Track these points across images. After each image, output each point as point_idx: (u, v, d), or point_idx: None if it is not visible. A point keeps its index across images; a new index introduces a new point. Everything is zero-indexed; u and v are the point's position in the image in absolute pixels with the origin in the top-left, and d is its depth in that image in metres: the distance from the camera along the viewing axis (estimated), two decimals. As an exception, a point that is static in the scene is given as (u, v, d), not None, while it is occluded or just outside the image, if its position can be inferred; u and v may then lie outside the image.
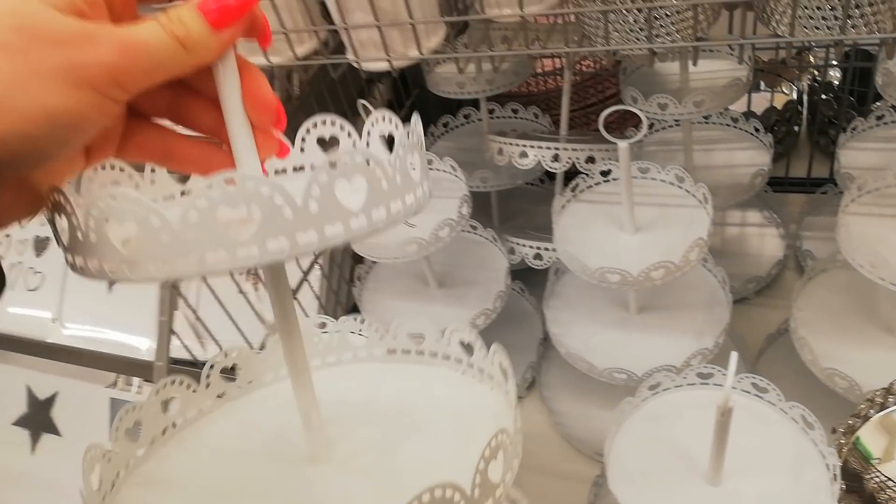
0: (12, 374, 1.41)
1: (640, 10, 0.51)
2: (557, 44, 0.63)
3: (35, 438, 1.38)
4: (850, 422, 0.53)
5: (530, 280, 0.96)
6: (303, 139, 0.39)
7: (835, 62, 1.01)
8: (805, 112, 1.07)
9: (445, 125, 1.09)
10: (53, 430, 1.35)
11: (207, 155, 0.34)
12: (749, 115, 0.98)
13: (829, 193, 0.96)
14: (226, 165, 0.33)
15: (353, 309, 0.95)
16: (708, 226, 0.68)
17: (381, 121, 0.36)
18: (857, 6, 0.47)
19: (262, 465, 0.40)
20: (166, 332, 0.71)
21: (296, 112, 0.88)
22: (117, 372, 1.28)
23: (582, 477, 0.75)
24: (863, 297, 0.72)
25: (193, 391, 0.44)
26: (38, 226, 1.30)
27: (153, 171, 0.39)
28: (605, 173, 0.78)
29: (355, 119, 0.98)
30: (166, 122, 0.35)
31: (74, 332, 1.29)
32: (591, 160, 0.80)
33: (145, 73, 0.28)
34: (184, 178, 0.39)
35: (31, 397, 1.39)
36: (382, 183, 0.30)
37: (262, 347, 0.48)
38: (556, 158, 0.81)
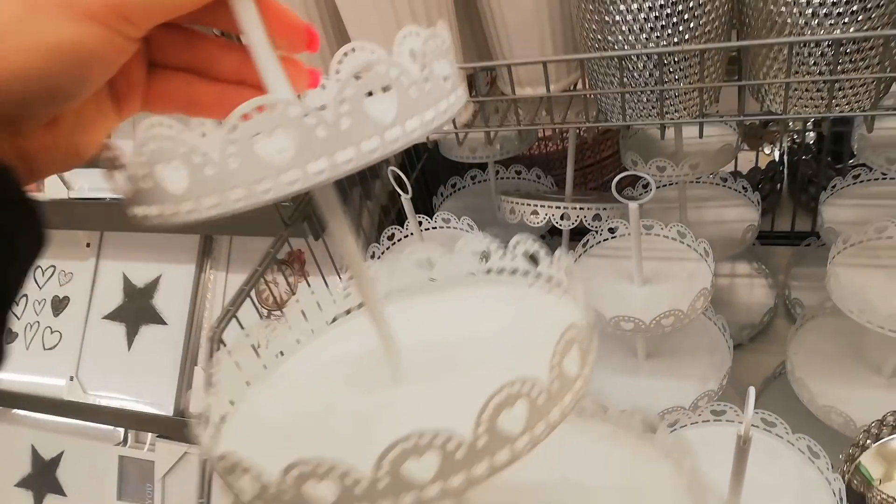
0: (17, 434, 1.40)
1: (652, 92, 0.59)
2: (574, 115, 0.71)
3: (39, 500, 1.37)
4: (850, 451, 0.59)
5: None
6: (336, 71, 0.36)
7: (810, 129, 1.11)
8: (786, 171, 1.16)
9: (454, 185, 1.17)
10: (59, 490, 1.34)
11: (234, 97, 0.33)
12: (736, 174, 1.06)
13: (813, 246, 1.04)
14: None
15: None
16: (711, 277, 0.75)
17: (409, 36, 0.33)
18: (840, 88, 0.55)
19: (347, 390, 0.41)
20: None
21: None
22: (131, 427, 1.28)
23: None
24: (851, 341, 0.79)
25: (282, 331, 0.46)
26: (56, 286, 1.33)
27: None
28: (612, 230, 0.85)
29: (369, 184, 1.04)
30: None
31: (92, 392, 1.29)
32: (597, 218, 0.87)
33: (152, 3, 0.28)
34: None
35: (36, 457, 1.38)
36: (412, 91, 0.30)
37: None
38: (564, 217, 0.88)
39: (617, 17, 0.57)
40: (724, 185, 1.02)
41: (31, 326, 1.34)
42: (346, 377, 0.41)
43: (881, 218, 0.76)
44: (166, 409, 1.18)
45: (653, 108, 0.61)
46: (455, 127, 0.69)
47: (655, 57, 0.57)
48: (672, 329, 0.73)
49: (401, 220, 1.07)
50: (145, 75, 0.33)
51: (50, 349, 1.32)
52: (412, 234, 0.93)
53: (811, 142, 1.14)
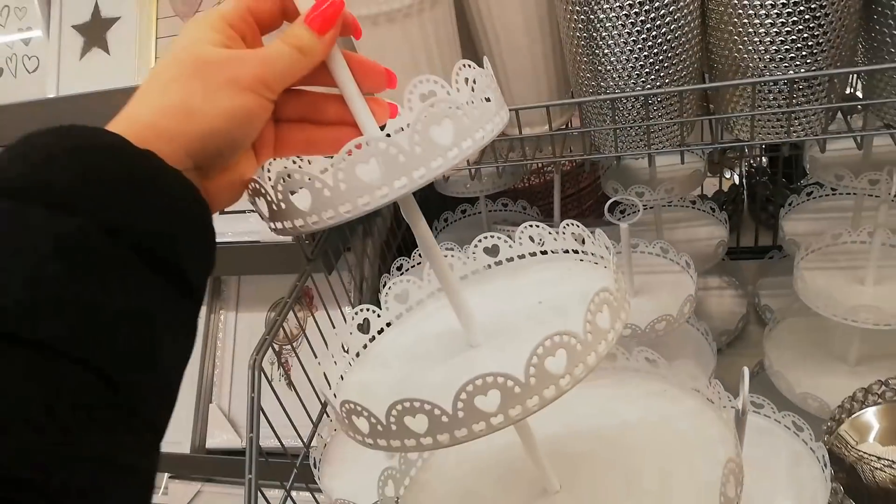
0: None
1: (640, 126, 0.69)
2: (567, 150, 0.81)
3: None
4: (829, 424, 0.69)
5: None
6: (408, 99, 0.45)
7: (764, 154, 1.24)
8: (746, 192, 1.29)
9: (446, 219, 1.26)
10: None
11: (340, 136, 0.42)
12: (703, 197, 1.18)
13: (776, 258, 1.15)
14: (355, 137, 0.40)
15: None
16: (694, 286, 0.85)
17: (463, 68, 0.42)
18: (796, 117, 0.66)
19: (432, 357, 0.49)
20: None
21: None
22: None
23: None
24: (819, 336, 0.90)
25: (378, 315, 0.55)
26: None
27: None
28: (602, 250, 0.95)
29: (370, 222, 1.13)
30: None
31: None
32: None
33: (282, 74, 0.38)
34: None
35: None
36: (464, 120, 0.39)
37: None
38: (557, 242, 0.98)
39: (608, 67, 0.67)
40: (694, 207, 1.14)
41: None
42: (427, 351, 0.50)
43: (835, 227, 0.88)
44: (183, 448, 1.23)
45: (640, 140, 0.71)
46: (469, 164, 0.78)
47: (642, 98, 0.68)
48: (664, 332, 0.82)
49: (401, 252, 1.16)
50: (273, 130, 0.42)
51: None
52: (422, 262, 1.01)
53: (766, 165, 1.27)
